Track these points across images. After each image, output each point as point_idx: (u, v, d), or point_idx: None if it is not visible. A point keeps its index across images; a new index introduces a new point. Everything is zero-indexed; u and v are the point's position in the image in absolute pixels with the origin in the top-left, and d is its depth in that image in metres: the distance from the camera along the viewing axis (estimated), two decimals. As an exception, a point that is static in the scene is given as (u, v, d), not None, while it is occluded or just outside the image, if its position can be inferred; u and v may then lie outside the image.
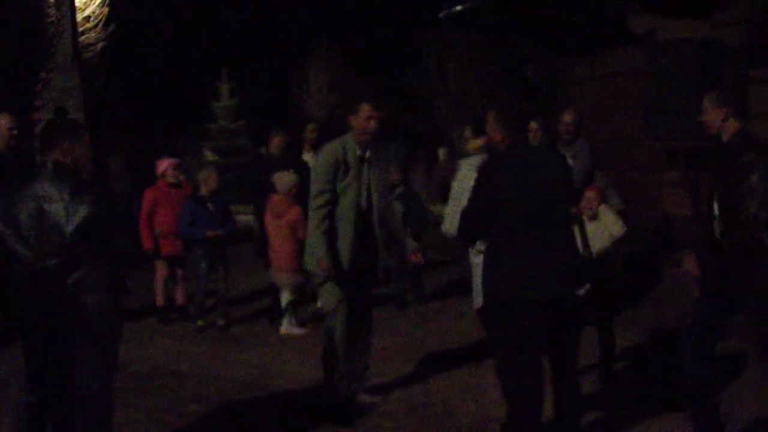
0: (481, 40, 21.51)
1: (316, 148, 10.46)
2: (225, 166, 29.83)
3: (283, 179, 9.81)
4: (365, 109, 6.83)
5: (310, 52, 36.43)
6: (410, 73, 31.77)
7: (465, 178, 6.10)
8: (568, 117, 9.12)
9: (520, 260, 5.34)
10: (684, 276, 6.20)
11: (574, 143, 8.89)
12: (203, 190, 10.23)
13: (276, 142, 10.65)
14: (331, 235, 6.75)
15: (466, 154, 6.86)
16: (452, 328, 9.75)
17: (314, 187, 6.83)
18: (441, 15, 15.85)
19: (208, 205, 10.14)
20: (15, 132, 8.31)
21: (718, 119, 5.60)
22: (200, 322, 10.07)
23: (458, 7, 15.24)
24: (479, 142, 6.52)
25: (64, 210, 4.84)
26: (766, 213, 5.29)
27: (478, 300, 6.19)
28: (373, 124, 6.80)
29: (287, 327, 9.70)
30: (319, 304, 7.85)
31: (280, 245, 9.73)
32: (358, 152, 6.83)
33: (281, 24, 39.28)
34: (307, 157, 10.81)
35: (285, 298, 9.77)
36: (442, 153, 23.70)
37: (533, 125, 8.05)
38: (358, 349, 7.00)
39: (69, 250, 4.84)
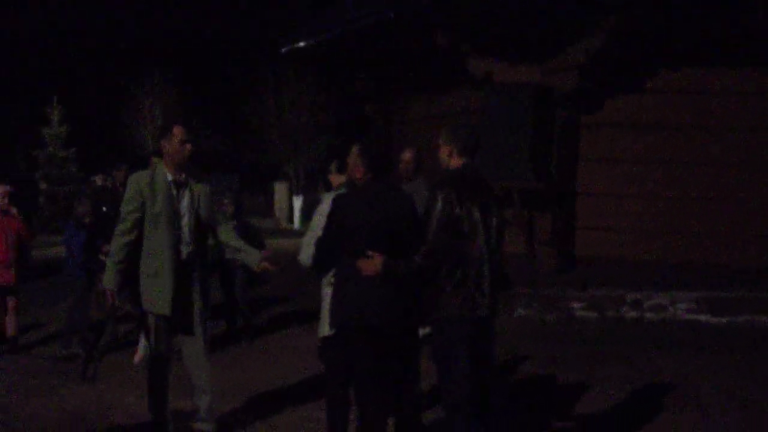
0: (319, 76, 21.74)
1: None
2: (53, 195, 29.03)
3: None
4: (178, 132, 6.61)
5: (141, 80, 35.89)
6: (245, 105, 31.72)
7: (324, 210, 6.13)
8: (407, 155, 9.28)
9: (364, 290, 5.47)
10: None
11: (414, 181, 9.05)
12: (86, 220, 10.09)
13: (119, 176, 10.64)
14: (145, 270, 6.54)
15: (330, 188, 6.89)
16: (294, 361, 9.75)
17: (121, 214, 6.64)
18: (283, 50, 15.90)
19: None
20: None
21: (445, 155, 5.86)
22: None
23: (301, 43, 15.33)
24: (341, 179, 6.59)
25: None
26: (437, 242, 5.51)
27: (323, 329, 6.27)
28: (188, 147, 6.61)
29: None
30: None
31: None
32: (169, 177, 6.60)
33: (113, 51, 38.58)
34: None
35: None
36: (278, 187, 23.63)
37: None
38: (196, 387, 6.80)
39: None
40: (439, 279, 5.52)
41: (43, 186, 30.54)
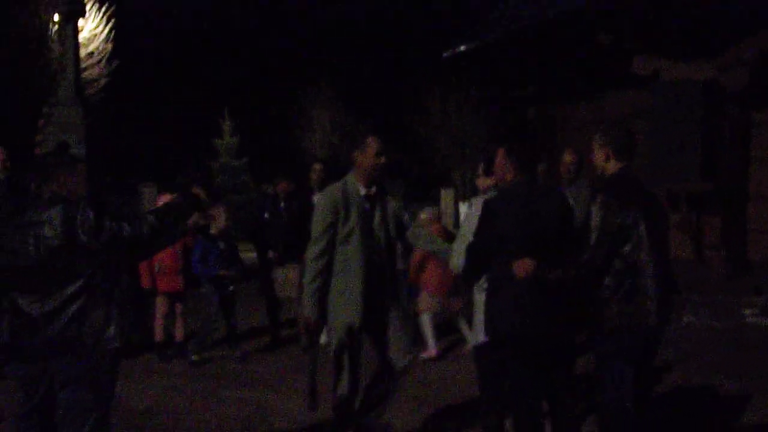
0: (482, 81, 21.54)
1: (321, 189, 10.41)
2: (227, 204, 29.86)
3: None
4: (373, 144, 6.30)
5: (308, 91, 36.47)
6: (411, 113, 31.74)
7: (474, 215, 5.97)
8: (569, 158, 9.11)
9: (518, 297, 5.33)
10: None
11: (576, 184, 8.86)
12: (213, 229, 10.22)
13: (282, 187, 10.85)
14: (335, 288, 6.26)
15: (477, 192, 6.76)
16: (451, 368, 9.66)
17: (312, 235, 6.30)
18: (445, 55, 15.88)
19: (219, 243, 10.16)
20: (8, 164, 8.91)
21: (601, 159, 5.60)
22: (195, 357, 10.02)
23: (462, 47, 15.28)
24: (489, 181, 6.44)
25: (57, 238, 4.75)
26: (599, 252, 5.28)
27: (477, 337, 6.14)
28: (382, 160, 6.27)
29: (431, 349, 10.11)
30: (322, 339, 7.79)
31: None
32: (362, 191, 6.30)
33: (282, 62, 39.40)
34: (317, 198, 10.84)
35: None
36: (444, 193, 23.54)
37: (540, 167, 8.06)
38: (374, 394, 6.57)
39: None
40: (603, 289, 5.32)
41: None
